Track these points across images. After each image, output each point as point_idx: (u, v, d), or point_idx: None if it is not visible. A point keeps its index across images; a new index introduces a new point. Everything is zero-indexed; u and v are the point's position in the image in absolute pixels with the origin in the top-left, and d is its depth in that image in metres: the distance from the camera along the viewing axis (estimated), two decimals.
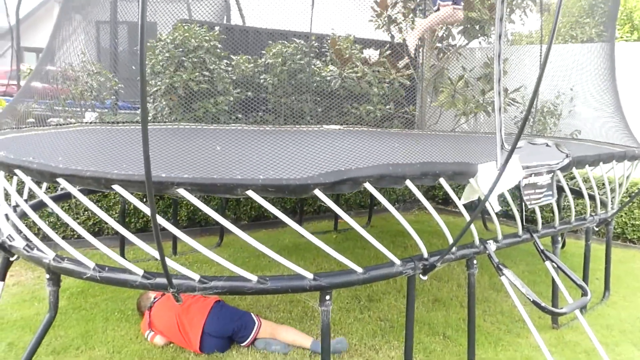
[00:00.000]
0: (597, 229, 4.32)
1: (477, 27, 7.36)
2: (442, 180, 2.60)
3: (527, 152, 3.21)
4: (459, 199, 2.87)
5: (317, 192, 2.19)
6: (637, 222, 6.39)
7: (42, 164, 2.29)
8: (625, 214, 6.47)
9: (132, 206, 5.52)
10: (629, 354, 3.60)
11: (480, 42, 7.99)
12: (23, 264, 4.67)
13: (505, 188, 2.79)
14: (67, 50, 4.85)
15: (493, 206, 2.79)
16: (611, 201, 4.33)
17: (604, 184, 4.29)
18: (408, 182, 2.43)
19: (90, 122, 5.15)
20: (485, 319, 4.01)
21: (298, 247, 5.62)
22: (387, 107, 7.11)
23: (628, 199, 6.35)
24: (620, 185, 4.37)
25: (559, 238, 3.85)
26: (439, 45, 7.98)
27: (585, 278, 4.23)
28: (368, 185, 2.30)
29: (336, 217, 6.47)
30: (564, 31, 13.03)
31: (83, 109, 5.90)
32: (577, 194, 4.24)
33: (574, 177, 4.47)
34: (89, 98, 5.81)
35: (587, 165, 3.68)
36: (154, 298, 3.58)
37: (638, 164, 4.65)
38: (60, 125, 4.68)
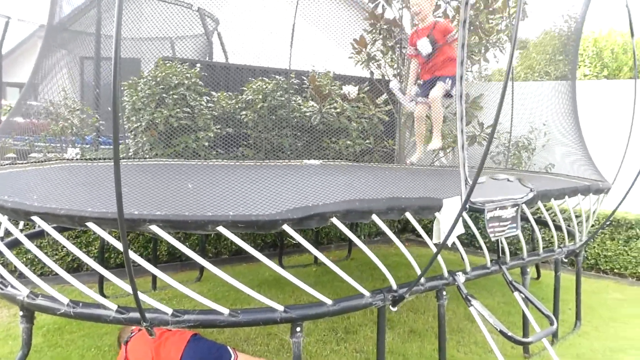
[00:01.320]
0: (566, 260, 4.44)
1: None
2: (408, 215, 2.70)
3: (494, 187, 3.36)
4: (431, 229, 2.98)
5: (286, 227, 2.28)
6: (609, 254, 6.55)
7: (16, 202, 2.35)
8: (598, 245, 6.63)
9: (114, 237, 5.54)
10: None
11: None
12: None
13: (457, 232, 2.89)
14: (48, 86, 4.94)
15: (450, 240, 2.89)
16: (579, 233, 4.47)
17: (576, 216, 4.46)
18: (374, 217, 2.54)
19: (70, 159, 5.20)
20: (459, 349, 4.08)
21: (278, 281, 5.65)
22: (367, 141, 7.27)
23: (600, 229, 6.57)
24: (588, 217, 4.52)
25: (528, 269, 3.96)
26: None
27: (555, 308, 4.33)
28: (335, 220, 2.40)
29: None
30: (539, 68, 13.51)
31: (64, 145, 5.96)
32: (547, 226, 4.38)
33: (548, 209, 4.68)
34: (69, 135, 5.88)
35: (552, 199, 3.82)
36: (131, 332, 3.59)
37: (604, 197, 4.83)
38: (40, 162, 4.73)
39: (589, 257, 6.70)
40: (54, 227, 2.49)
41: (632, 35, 5.22)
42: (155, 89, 5.90)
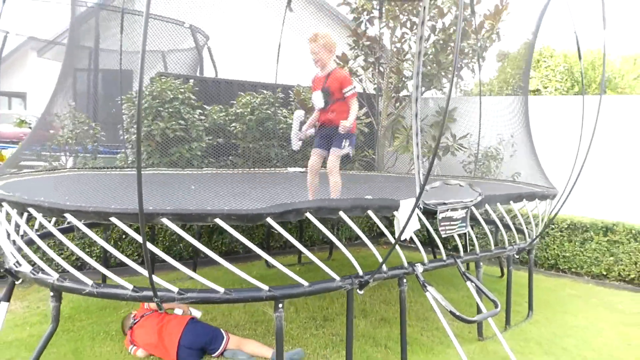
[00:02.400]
0: (517, 256, 5.05)
1: (427, 80, 8.25)
2: (370, 212, 3.29)
3: (447, 191, 3.96)
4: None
5: (269, 220, 2.86)
6: (567, 254, 7.18)
7: (52, 202, 2.90)
8: (557, 246, 7.27)
9: (112, 242, 6.07)
10: None
11: (432, 94, 8.91)
12: (12, 295, 5.14)
13: (409, 231, 3.45)
14: (60, 100, 5.48)
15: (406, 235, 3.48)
16: (529, 233, 5.09)
17: (530, 219, 5.09)
18: (341, 213, 3.12)
19: (78, 167, 5.73)
20: (423, 334, 4.66)
21: (264, 278, 6.10)
22: None
23: (559, 233, 7.22)
24: (535, 217, 5.14)
25: (481, 263, 4.55)
26: (395, 95, 8.86)
27: (508, 299, 4.93)
28: (309, 215, 2.98)
29: (299, 251, 7.07)
30: (513, 82, 14.28)
31: (68, 154, 6.50)
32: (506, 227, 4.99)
33: (510, 211, 5.32)
34: (73, 145, 6.42)
35: (498, 203, 4.43)
36: (134, 319, 4.13)
37: (558, 201, 5.45)
38: (50, 170, 5.27)
39: (550, 258, 7.34)
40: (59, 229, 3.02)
41: (580, 58, 5.89)
42: (152, 103, 6.45)
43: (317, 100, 4.34)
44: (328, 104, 4.33)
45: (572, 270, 7.18)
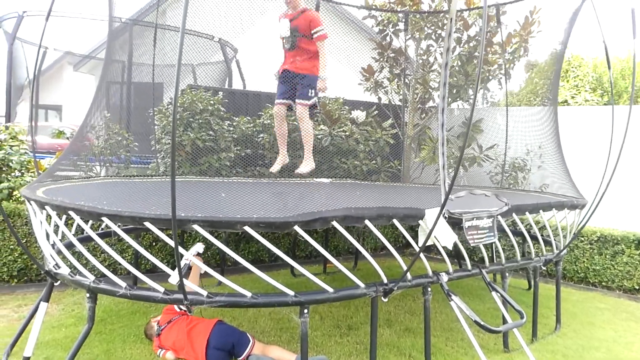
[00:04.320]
0: (544, 268, 5.01)
1: (454, 92, 8.26)
2: (395, 221, 3.34)
3: (473, 201, 3.99)
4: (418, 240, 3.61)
5: (296, 228, 2.94)
6: (597, 267, 7.07)
7: (91, 206, 3.04)
8: (587, 259, 7.16)
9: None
10: None
11: (458, 105, 8.91)
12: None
13: (447, 241, 3.50)
14: (97, 112, 5.70)
15: (444, 245, 3.50)
16: (556, 245, 5.05)
17: (555, 229, 5.04)
18: (367, 222, 3.18)
19: (111, 176, 5.93)
20: (447, 344, 4.66)
21: (290, 287, 6.20)
22: (373, 162, 7.91)
23: (588, 245, 7.11)
24: (564, 229, 5.10)
25: (507, 274, 4.54)
26: (421, 106, 8.89)
27: (534, 311, 4.89)
28: (335, 223, 3.05)
29: (325, 261, 7.15)
30: (541, 92, 14.13)
31: (102, 164, 6.72)
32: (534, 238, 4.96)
33: (538, 222, 5.27)
34: (107, 155, 6.64)
35: (527, 212, 4.43)
36: (159, 326, 4.25)
37: (584, 211, 5.40)
38: (87, 178, 5.47)
39: (579, 271, 7.23)
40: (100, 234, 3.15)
41: (609, 67, 5.84)
42: (182, 114, 6.63)
43: (284, 28, 4.51)
44: (295, 46, 4.48)
45: (603, 284, 7.06)
